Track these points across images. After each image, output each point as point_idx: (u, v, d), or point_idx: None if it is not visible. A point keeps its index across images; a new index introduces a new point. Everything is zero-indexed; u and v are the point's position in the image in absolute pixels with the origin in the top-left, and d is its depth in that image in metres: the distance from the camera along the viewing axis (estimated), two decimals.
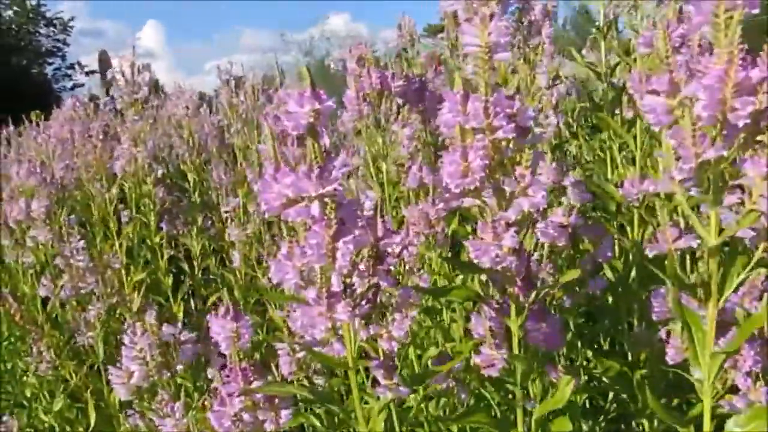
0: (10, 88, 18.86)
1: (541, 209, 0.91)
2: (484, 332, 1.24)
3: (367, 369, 1.22)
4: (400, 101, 1.85)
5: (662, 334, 1.25)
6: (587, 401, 1.89)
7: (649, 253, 0.91)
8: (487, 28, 0.90)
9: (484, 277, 1.09)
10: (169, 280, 3.07)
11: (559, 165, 1.61)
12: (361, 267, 0.93)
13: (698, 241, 0.88)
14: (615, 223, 1.60)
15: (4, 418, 2.15)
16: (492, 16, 0.89)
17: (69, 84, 26.09)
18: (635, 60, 1.36)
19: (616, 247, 1.62)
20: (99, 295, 2.30)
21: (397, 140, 1.94)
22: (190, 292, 3.50)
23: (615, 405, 1.82)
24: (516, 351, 1.03)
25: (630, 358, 1.68)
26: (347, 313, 0.87)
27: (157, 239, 3.05)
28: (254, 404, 1.10)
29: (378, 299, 0.98)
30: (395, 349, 1.14)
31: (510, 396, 1.18)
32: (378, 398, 1.02)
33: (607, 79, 1.71)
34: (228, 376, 1.09)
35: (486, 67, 0.91)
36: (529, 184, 0.90)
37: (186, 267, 3.60)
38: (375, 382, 1.04)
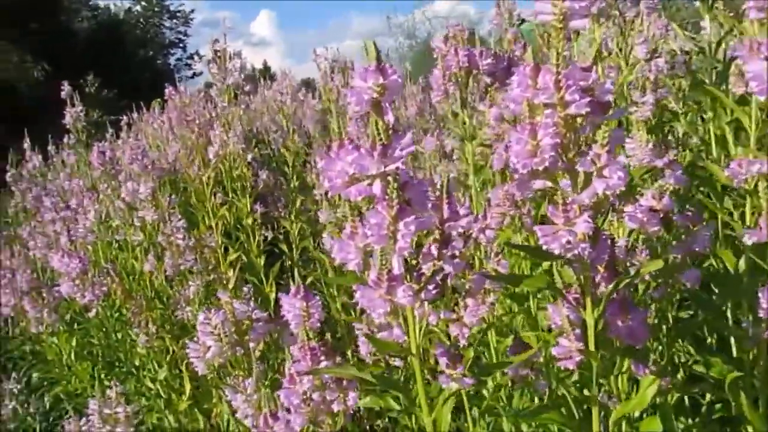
0: (136, 78, 20.34)
1: (618, 192, 0.83)
2: (562, 322, 1.17)
3: None
4: (488, 80, 1.78)
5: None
6: (687, 400, 1.75)
7: (748, 241, 0.80)
8: None
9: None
10: (261, 261, 3.17)
11: (657, 145, 1.48)
12: (427, 250, 0.89)
13: None
14: (723, 207, 1.46)
15: (113, 384, 2.31)
16: None
17: (189, 73, 27.67)
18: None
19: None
20: (197, 273, 2.42)
21: (484, 121, 1.87)
22: (290, 271, 3.61)
23: (719, 405, 1.67)
24: (592, 345, 0.95)
25: (736, 355, 1.53)
26: (408, 297, 0.84)
27: (249, 221, 3.15)
28: (323, 384, 1.10)
29: (446, 284, 0.95)
30: (466, 336, 1.10)
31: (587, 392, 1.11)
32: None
33: (713, 52, 1.54)
34: (297, 355, 1.10)
35: (560, 37, 0.84)
36: (606, 165, 0.82)
37: (285, 248, 3.72)
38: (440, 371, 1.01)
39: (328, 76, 3.85)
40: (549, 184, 0.88)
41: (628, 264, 1.27)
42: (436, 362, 1.06)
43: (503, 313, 1.73)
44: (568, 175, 0.87)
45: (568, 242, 0.85)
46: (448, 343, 1.09)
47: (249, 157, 3.58)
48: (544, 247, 0.86)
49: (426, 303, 0.89)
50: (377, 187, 0.81)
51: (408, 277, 0.88)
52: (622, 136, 0.87)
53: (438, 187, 0.94)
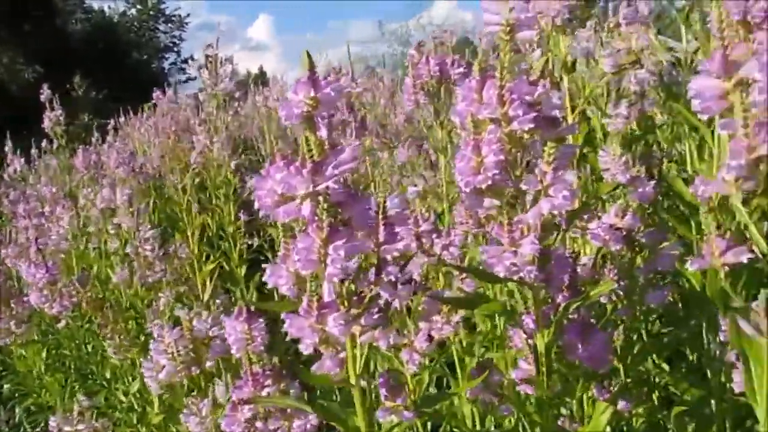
0: (130, 81, 20.25)
1: (564, 212, 0.78)
2: (522, 345, 1.12)
3: None
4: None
5: (732, 356, 1.07)
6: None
7: (691, 268, 0.76)
8: (507, 3, 0.78)
9: None
10: (242, 270, 3.11)
11: (628, 161, 1.43)
12: (364, 275, 0.84)
13: (750, 255, 0.72)
14: (692, 225, 1.41)
15: (80, 398, 2.25)
16: None
17: (183, 77, 27.56)
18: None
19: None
20: (167, 284, 2.36)
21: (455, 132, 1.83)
22: None
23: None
24: (542, 369, 0.90)
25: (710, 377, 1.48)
26: (340, 326, 0.78)
27: (231, 229, 3.09)
28: (266, 412, 1.04)
29: (388, 309, 0.89)
30: (417, 362, 1.05)
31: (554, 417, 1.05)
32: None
33: (689, 65, 1.50)
34: (240, 381, 1.05)
35: (507, 48, 0.79)
36: (551, 183, 0.77)
37: (271, 256, 3.65)
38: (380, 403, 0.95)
39: None
40: (496, 202, 0.83)
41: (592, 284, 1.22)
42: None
43: (479, 332, 1.67)
44: (515, 194, 0.82)
45: (513, 264, 0.80)
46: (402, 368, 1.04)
47: (233, 164, 3.52)
48: (489, 270, 0.81)
49: (365, 330, 0.83)
50: (306, 209, 0.75)
51: (346, 303, 0.82)
52: (571, 152, 0.82)
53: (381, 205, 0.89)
